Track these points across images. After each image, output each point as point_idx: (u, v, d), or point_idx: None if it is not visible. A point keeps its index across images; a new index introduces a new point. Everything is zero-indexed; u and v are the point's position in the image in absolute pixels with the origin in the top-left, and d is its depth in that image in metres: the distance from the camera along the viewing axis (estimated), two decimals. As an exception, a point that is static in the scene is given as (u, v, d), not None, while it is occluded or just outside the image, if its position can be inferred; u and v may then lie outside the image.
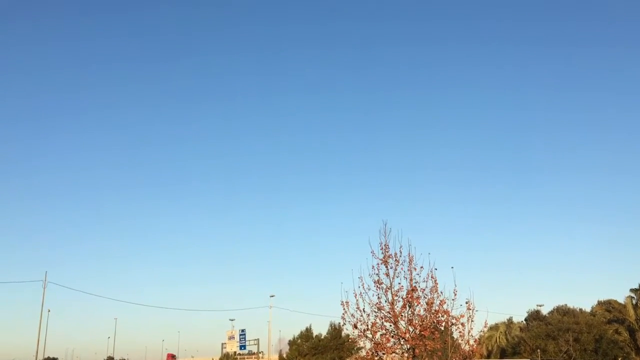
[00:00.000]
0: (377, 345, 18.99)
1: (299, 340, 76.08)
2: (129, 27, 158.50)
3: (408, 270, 19.33)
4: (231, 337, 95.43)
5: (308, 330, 76.60)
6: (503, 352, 76.27)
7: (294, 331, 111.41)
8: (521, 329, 78.93)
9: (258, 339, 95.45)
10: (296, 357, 74.24)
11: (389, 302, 19.19)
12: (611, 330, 65.70)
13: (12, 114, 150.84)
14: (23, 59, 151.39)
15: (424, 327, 18.39)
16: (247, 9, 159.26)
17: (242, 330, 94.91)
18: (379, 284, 19.42)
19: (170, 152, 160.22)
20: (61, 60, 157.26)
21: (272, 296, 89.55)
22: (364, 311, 19.42)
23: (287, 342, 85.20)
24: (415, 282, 19.13)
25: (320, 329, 79.28)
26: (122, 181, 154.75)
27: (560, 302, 79.91)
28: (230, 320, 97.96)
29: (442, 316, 18.86)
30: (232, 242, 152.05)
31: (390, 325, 19.07)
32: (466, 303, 19.25)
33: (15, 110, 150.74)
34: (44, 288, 66.30)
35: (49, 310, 77.71)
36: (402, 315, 18.97)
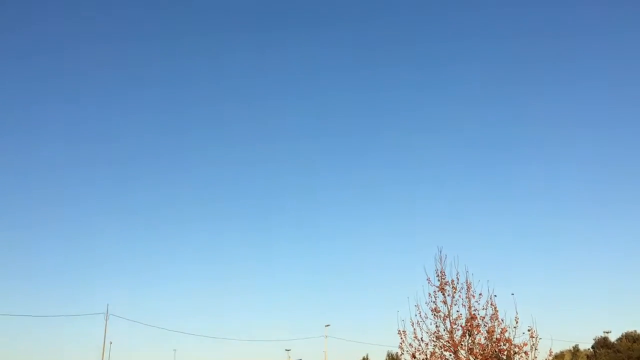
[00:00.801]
0: (437, 374, 18.57)
1: (356, 371, 75.05)
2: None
3: (466, 297, 18.96)
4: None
5: (365, 360, 75.55)
6: (570, 382, 73.07)
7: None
8: (588, 357, 75.46)
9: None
10: (354, 388, 73.22)
11: (447, 331, 18.79)
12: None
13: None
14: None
15: (485, 357, 17.87)
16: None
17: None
18: (437, 312, 19.07)
19: (222, 176, 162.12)
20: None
21: (328, 325, 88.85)
22: (422, 340, 19.08)
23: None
24: (474, 310, 18.70)
25: (378, 359, 78.05)
26: (175, 214, 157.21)
27: (629, 328, 76.08)
28: (286, 350, 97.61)
29: (504, 345, 18.29)
30: (286, 271, 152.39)
31: (450, 355, 18.62)
32: (528, 330, 18.65)
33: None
34: (106, 320, 68.05)
35: (111, 343, 79.50)
36: (462, 344, 18.51)
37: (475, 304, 18.78)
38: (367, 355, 76.15)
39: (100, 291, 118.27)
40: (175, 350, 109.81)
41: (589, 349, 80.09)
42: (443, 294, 19.21)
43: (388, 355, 73.67)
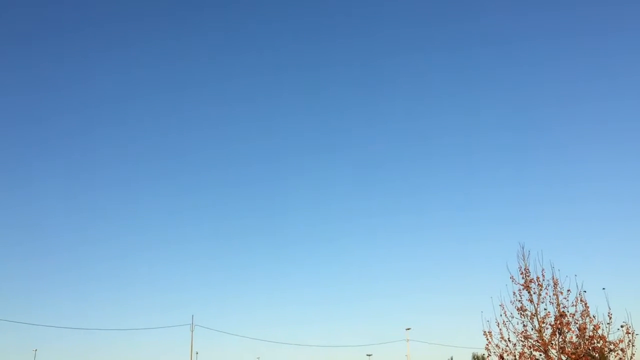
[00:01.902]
0: (527, 376, 18.00)
1: (441, 374, 73.83)
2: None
3: (553, 294, 18.31)
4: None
5: (449, 363, 74.19)
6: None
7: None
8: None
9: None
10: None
11: (536, 330, 18.20)
12: None
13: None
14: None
15: (578, 355, 17.17)
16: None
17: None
18: (523, 311, 18.52)
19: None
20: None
21: (409, 329, 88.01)
22: (509, 341, 18.57)
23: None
24: (563, 307, 18.02)
25: (462, 361, 76.44)
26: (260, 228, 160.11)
27: None
28: (367, 355, 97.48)
29: (598, 342, 17.50)
30: (364, 277, 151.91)
31: (540, 355, 18.02)
32: (622, 326, 17.79)
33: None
34: (192, 331, 70.30)
35: (197, 353, 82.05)
36: (552, 344, 17.86)
37: (564, 301, 18.14)
38: (451, 358, 74.74)
39: (185, 303, 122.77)
40: (258, 358, 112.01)
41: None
42: (529, 292, 18.63)
43: (474, 357, 72.09)
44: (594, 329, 17.55)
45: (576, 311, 17.88)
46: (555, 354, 17.74)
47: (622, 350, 17.53)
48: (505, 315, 18.79)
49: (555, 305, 18.18)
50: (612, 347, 17.62)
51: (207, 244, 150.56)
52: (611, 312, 17.74)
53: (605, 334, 17.54)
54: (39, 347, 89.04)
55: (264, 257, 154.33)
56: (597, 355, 17.71)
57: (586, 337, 17.54)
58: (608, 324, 17.64)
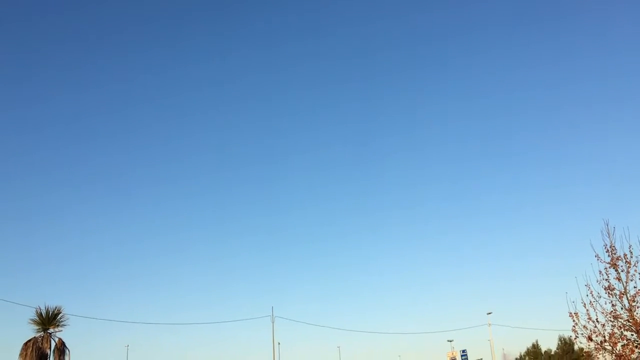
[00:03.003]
0: (619, 357, 17.26)
1: (527, 358, 71.89)
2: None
3: (643, 271, 17.39)
4: (453, 359, 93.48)
5: (535, 347, 72.15)
6: None
7: (519, 348, 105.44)
8: None
9: (481, 359, 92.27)
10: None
11: (626, 309, 17.38)
12: None
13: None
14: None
15: (674, 334, 16.26)
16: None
17: (464, 351, 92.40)
18: (611, 290, 17.73)
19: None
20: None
21: (490, 313, 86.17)
22: (597, 321, 17.82)
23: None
24: (655, 285, 17.10)
25: (548, 344, 74.09)
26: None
27: None
28: (448, 341, 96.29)
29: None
30: (445, 263, 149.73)
31: (632, 335, 17.19)
32: None
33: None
34: (272, 323, 71.84)
35: (279, 343, 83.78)
36: (644, 323, 17.00)
37: (656, 278, 17.19)
38: (536, 342, 72.57)
39: (265, 295, 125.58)
40: (339, 347, 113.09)
41: None
42: (616, 270, 17.82)
43: (560, 339, 69.72)
44: (690, 306, 16.59)
45: (669, 288, 16.96)
46: (649, 334, 16.90)
47: None
48: (592, 295, 18.08)
49: (646, 282, 17.30)
50: None
51: (287, 236, 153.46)
52: None
53: None
54: (130, 343, 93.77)
55: (342, 246, 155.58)
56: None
57: (682, 314, 16.61)
58: None
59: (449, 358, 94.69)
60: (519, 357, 75.10)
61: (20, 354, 34.77)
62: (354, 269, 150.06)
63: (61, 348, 36.00)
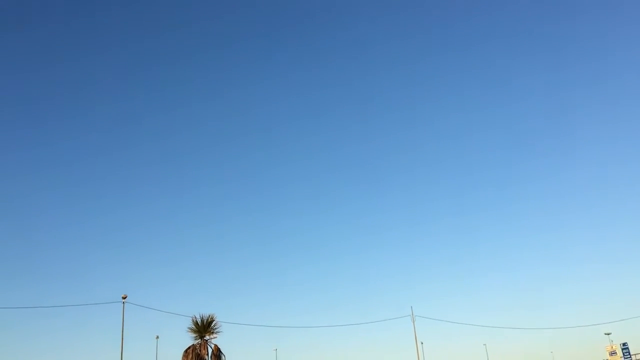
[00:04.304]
0: None
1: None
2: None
3: None
4: (612, 353, 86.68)
5: None
6: None
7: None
8: None
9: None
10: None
11: None
12: None
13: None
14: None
15: None
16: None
17: (624, 344, 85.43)
18: None
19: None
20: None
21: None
22: None
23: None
24: None
25: None
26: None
27: None
28: (605, 334, 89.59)
29: None
30: (595, 259, 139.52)
31: None
32: None
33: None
34: (413, 321, 71.21)
35: (422, 343, 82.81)
36: None
37: None
38: None
39: (404, 295, 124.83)
40: (485, 344, 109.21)
41: None
42: None
43: None
44: None
45: None
46: None
47: None
48: None
49: None
50: None
51: (426, 237, 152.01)
52: None
53: None
54: (278, 346, 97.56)
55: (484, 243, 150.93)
56: None
57: None
58: None
59: (607, 352, 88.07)
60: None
61: (182, 360, 37.60)
62: (495, 265, 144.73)
63: (217, 354, 38.33)
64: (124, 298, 50.31)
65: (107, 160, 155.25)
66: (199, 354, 37.59)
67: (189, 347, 38.13)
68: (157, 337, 73.71)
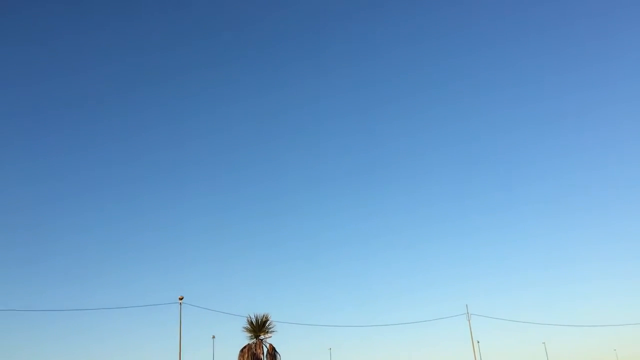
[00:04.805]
0: None
1: None
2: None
3: None
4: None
5: None
6: None
7: None
8: None
9: None
10: None
11: None
12: None
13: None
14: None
15: None
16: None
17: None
18: None
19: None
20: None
21: None
22: None
23: None
24: None
25: None
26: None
27: None
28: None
29: None
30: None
31: None
32: None
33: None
34: (469, 320, 70.00)
35: (478, 342, 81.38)
36: None
37: None
38: None
39: (459, 293, 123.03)
40: (544, 342, 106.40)
41: None
42: None
43: None
44: None
45: None
46: None
47: None
48: None
49: None
50: None
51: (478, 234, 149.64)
52: None
53: None
54: (333, 345, 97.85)
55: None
56: None
57: None
58: None
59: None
60: None
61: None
62: (553, 257, 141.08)
63: (272, 353, 38.71)
64: (181, 299, 51.54)
65: (156, 160, 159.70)
66: (255, 353, 38.06)
67: (244, 347, 38.65)
68: (214, 337, 75.21)
